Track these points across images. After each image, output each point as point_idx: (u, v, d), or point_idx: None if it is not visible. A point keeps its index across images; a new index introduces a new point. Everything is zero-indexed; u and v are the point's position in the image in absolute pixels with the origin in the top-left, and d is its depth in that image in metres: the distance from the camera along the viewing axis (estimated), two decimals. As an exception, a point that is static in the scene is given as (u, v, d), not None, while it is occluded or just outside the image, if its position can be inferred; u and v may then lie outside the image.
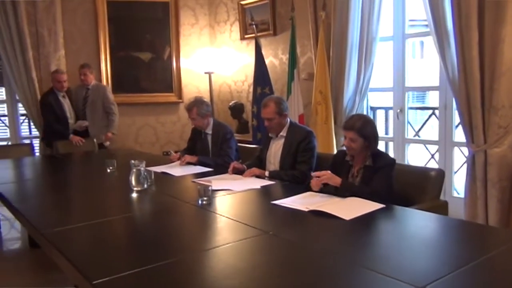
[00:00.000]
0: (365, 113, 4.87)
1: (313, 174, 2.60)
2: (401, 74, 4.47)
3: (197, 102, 3.83)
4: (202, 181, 3.03)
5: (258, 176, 3.17)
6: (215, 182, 2.93)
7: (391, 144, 4.79)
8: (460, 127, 3.77)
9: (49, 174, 3.87)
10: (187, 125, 4.06)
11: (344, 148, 2.75)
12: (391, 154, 4.73)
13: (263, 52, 5.46)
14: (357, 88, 4.54)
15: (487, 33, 3.42)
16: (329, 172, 2.56)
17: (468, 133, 3.64)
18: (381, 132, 5.11)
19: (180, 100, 6.31)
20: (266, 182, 3.02)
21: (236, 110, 6.10)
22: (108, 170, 3.52)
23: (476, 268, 1.59)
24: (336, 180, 2.52)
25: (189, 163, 3.70)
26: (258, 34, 5.55)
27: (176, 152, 4.22)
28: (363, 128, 2.58)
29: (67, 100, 5.20)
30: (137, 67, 6.08)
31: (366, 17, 4.39)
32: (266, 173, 3.24)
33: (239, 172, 3.29)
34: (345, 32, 4.45)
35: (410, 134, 4.67)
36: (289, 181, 3.11)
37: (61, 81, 5.06)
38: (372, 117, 4.96)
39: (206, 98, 6.33)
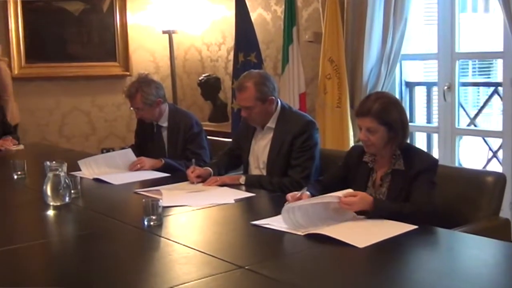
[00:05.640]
0: (397, 90, 4.88)
1: (293, 195, 2.58)
2: (449, 35, 4.48)
3: (142, 84, 3.78)
4: (150, 192, 3.03)
5: (229, 185, 3.19)
6: (167, 195, 2.92)
7: (435, 136, 4.81)
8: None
9: None
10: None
11: (361, 143, 2.75)
12: (436, 150, 4.76)
13: (249, 2, 5.44)
14: (383, 55, 4.55)
15: None
16: (358, 195, 2.45)
17: (545, 121, 3.66)
18: (421, 119, 5.13)
19: (127, 73, 6.30)
20: (242, 194, 3.01)
21: (209, 87, 6.09)
22: (15, 176, 3.50)
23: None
24: (366, 203, 2.45)
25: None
26: (241, -25, 5.52)
27: (122, 149, 4.22)
28: (384, 111, 2.57)
29: None
30: (62, 23, 6.04)
31: (397, -49, 4.41)
32: (242, 180, 3.23)
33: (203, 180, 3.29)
34: (367, -27, 4.46)
35: (463, 122, 4.69)
36: (275, 191, 3.12)
37: None
38: (408, 97, 5.01)
39: (165, 69, 6.32)
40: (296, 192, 2.63)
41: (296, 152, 3.23)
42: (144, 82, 3.80)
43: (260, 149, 3.39)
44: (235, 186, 3.19)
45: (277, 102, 3.35)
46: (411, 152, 2.66)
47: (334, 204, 2.43)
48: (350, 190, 2.50)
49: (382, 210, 2.46)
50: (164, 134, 3.91)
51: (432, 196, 2.53)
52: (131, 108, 3.88)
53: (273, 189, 3.14)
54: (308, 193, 2.62)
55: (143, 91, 3.74)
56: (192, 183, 3.25)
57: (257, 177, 3.29)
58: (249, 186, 3.19)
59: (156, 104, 3.79)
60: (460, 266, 2.10)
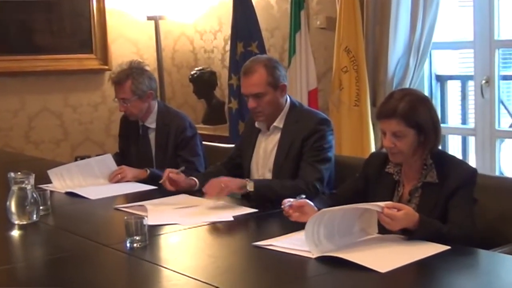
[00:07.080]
0: (426, 86, 4.88)
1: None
2: (487, 21, 4.48)
3: (134, 70, 3.81)
4: (133, 209, 3.04)
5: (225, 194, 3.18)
6: (154, 211, 2.92)
7: (471, 140, 4.81)
8: None
9: None
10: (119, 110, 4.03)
11: (384, 150, 2.75)
12: (472, 156, 4.75)
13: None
14: (411, 44, 4.57)
15: None
16: (403, 209, 2.39)
17: None
18: (454, 119, 5.13)
19: (106, 67, 6.30)
20: (242, 210, 3.01)
21: (203, 83, 6.10)
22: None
23: None
24: (411, 221, 2.41)
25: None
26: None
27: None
28: (412, 110, 2.57)
29: None
30: (28, 10, 6.04)
31: None
32: (249, 186, 3.14)
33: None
34: None
35: (504, 122, 4.70)
36: (290, 196, 3.09)
37: None
38: (439, 93, 5.01)
39: (150, 62, 6.31)
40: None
41: (306, 154, 3.22)
42: (137, 69, 3.84)
43: (266, 154, 3.40)
44: (234, 200, 3.19)
45: (286, 97, 3.36)
46: (444, 160, 2.65)
47: (369, 217, 2.42)
48: (391, 202, 2.47)
49: (428, 231, 2.41)
50: (151, 136, 3.93)
51: (473, 216, 2.52)
52: (115, 99, 3.88)
53: (288, 194, 2.98)
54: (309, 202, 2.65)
55: (134, 78, 3.77)
56: (171, 189, 3.28)
57: (267, 182, 3.25)
58: (258, 195, 3.13)
59: (147, 97, 3.82)
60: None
